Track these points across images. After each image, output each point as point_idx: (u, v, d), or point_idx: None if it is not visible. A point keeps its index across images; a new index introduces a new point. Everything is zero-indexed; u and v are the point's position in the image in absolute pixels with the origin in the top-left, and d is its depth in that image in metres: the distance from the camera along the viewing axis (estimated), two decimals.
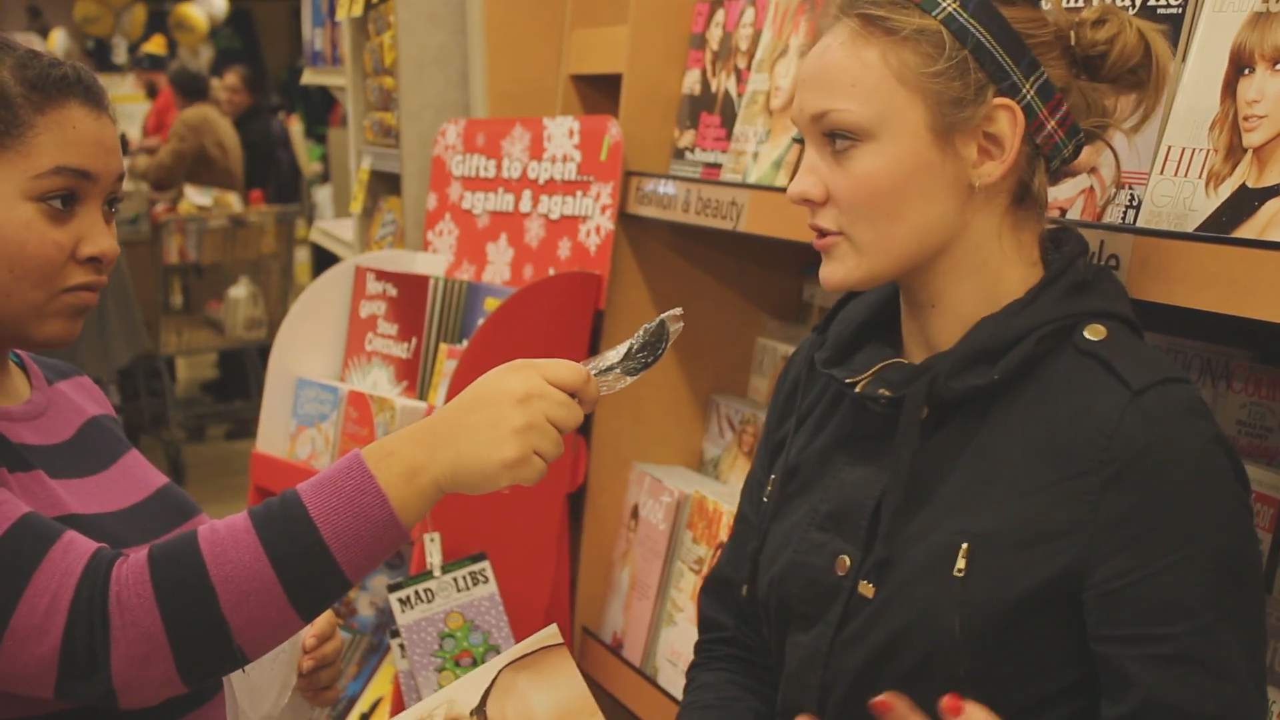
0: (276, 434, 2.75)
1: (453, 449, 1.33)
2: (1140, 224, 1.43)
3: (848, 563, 1.38)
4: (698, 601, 1.65)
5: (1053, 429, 1.29)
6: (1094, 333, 1.31)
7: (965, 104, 1.31)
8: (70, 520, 1.40)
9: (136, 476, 1.57)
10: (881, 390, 1.37)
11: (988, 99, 1.31)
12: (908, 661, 1.31)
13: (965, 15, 1.30)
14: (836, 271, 1.38)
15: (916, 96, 1.31)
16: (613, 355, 1.40)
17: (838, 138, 1.34)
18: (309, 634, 1.67)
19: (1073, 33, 1.36)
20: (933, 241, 1.34)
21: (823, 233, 1.37)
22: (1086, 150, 1.40)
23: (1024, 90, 1.31)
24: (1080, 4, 1.56)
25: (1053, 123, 1.33)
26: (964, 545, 1.29)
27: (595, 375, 1.38)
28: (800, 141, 1.40)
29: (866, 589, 1.35)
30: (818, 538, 1.41)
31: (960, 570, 1.29)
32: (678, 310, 1.41)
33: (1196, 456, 1.25)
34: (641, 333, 1.40)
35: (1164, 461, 1.24)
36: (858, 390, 1.39)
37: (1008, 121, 1.31)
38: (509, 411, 1.33)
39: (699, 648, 1.63)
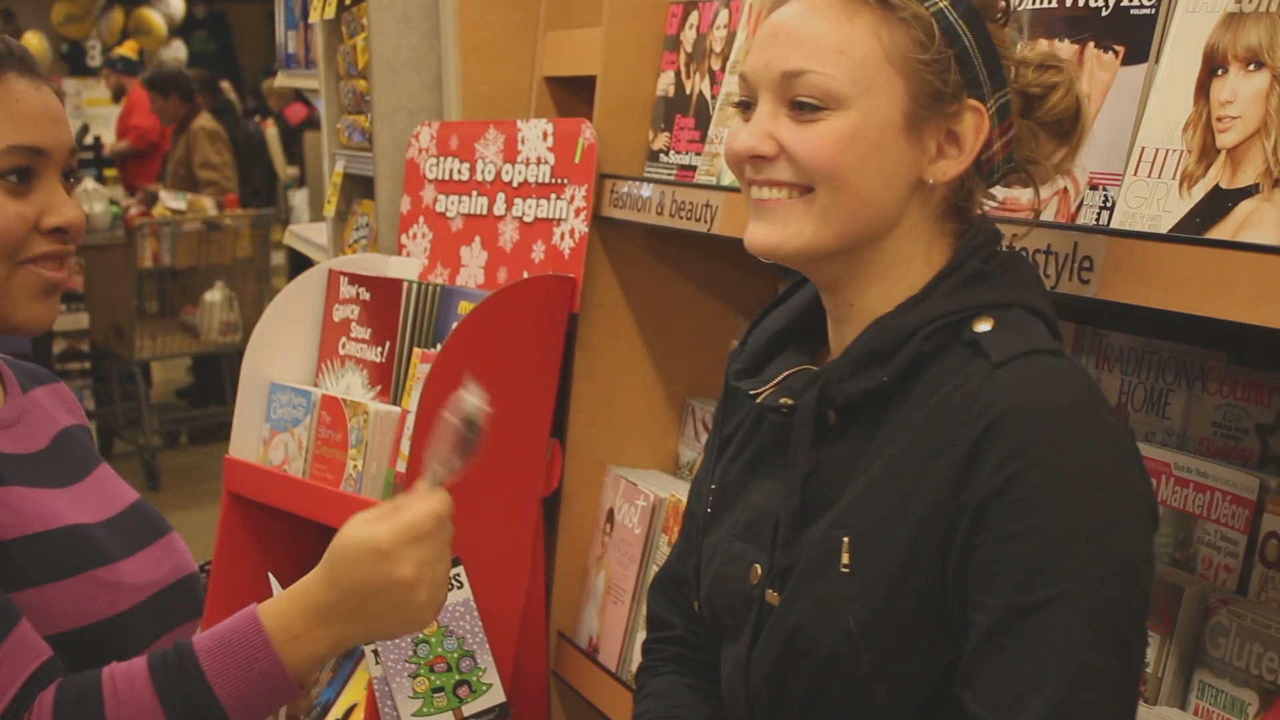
0: (249, 439, 2.73)
1: (365, 630, 1.37)
2: (1114, 225, 1.43)
3: (759, 571, 1.38)
4: (647, 599, 1.63)
5: (928, 416, 1.27)
6: (981, 324, 1.29)
7: (942, 99, 1.30)
8: (69, 531, 1.41)
9: (110, 490, 1.55)
10: (783, 400, 1.36)
11: (961, 100, 1.31)
12: (813, 662, 1.31)
13: (955, 15, 1.30)
14: (774, 235, 1.32)
15: (900, 80, 1.29)
16: (451, 454, 1.37)
17: (804, 104, 1.29)
18: None
19: (1013, 68, 1.35)
20: (877, 225, 1.32)
21: (774, 185, 1.32)
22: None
23: (990, 103, 1.32)
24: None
25: (999, 143, 1.34)
26: (845, 539, 1.28)
27: (444, 483, 1.37)
28: (741, 105, 1.35)
29: (772, 596, 1.36)
30: (738, 548, 1.42)
31: (846, 566, 1.28)
32: (471, 387, 1.36)
33: (1051, 426, 1.21)
34: (460, 422, 1.36)
35: (1015, 431, 1.21)
36: (758, 400, 1.39)
37: (973, 123, 1.31)
38: (408, 595, 1.35)
39: (647, 648, 1.61)
